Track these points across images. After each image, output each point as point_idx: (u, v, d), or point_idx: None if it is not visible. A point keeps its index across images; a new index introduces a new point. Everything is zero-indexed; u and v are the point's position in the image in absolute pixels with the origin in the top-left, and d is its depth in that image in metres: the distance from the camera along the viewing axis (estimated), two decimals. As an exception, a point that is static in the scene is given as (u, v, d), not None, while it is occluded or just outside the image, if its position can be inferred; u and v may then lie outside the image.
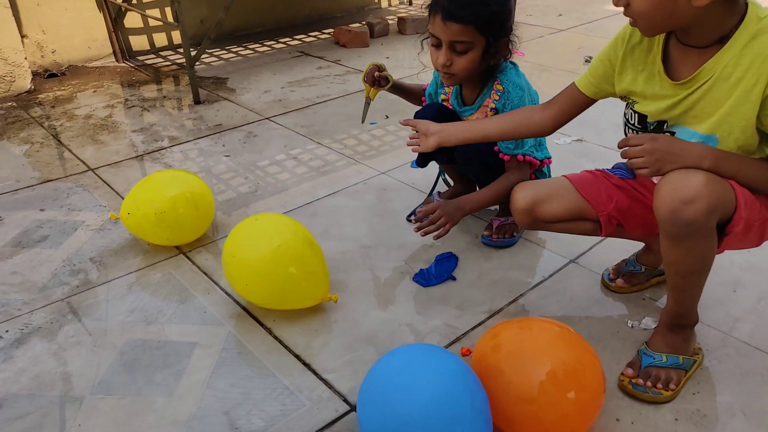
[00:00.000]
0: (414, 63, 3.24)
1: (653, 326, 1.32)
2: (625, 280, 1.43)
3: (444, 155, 1.58)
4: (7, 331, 1.36)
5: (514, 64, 1.54)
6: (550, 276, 1.51)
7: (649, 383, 1.14)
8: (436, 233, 1.41)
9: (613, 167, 1.33)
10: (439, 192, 1.81)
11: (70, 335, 1.34)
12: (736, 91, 1.00)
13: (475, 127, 1.35)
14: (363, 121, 1.69)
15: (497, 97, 1.48)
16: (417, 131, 1.39)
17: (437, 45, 1.41)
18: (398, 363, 0.97)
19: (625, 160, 1.31)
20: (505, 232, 1.62)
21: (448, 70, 1.42)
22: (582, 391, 0.98)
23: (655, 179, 1.16)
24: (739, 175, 1.03)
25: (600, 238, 1.61)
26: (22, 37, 2.90)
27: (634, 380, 1.15)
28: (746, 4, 0.99)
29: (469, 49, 1.38)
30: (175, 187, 1.57)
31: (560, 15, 4.20)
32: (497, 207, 1.74)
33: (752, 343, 1.28)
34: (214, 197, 1.82)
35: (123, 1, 3.14)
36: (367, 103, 1.68)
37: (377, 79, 1.61)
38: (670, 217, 0.99)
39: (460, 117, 1.59)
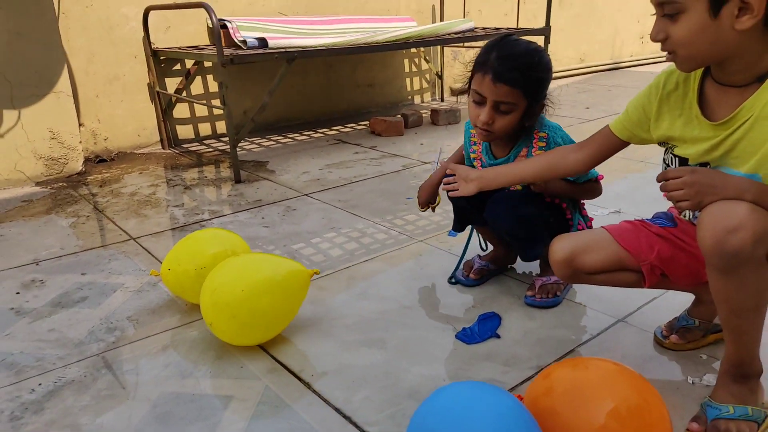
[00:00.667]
0: (446, 148, 3.33)
1: (715, 382, 1.22)
2: (680, 335, 1.35)
3: (478, 216, 1.58)
4: (39, 384, 1.33)
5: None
6: (599, 334, 1.44)
7: None
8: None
9: (653, 217, 1.31)
10: (479, 256, 1.79)
11: (104, 388, 1.30)
12: None
13: (512, 170, 1.39)
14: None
15: (543, 144, 1.52)
16: (454, 175, 1.45)
17: (480, 102, 1.45)
18: (446, 401, 0.92)
19: (664, 210, 1.29)
20: (548, 291, 1.57)
21: (489, 128, 1.46)
22: (648, 428, 0.90)
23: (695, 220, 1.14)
24: None
25: (648, 297, 1.56)
26: (80, 125, 3.10)
27: None
28: None
29: (513, 110, 1.43)
30: (216, 244, 1.59)
31: (587, 108, 4.33)
32: (538, 267, 1.70)
33: (831, 401, 1.17)
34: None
35: (174, 93, 3.37)
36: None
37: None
38: (714, 248, 0.96)
39: None
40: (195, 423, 1.18)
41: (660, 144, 1.21)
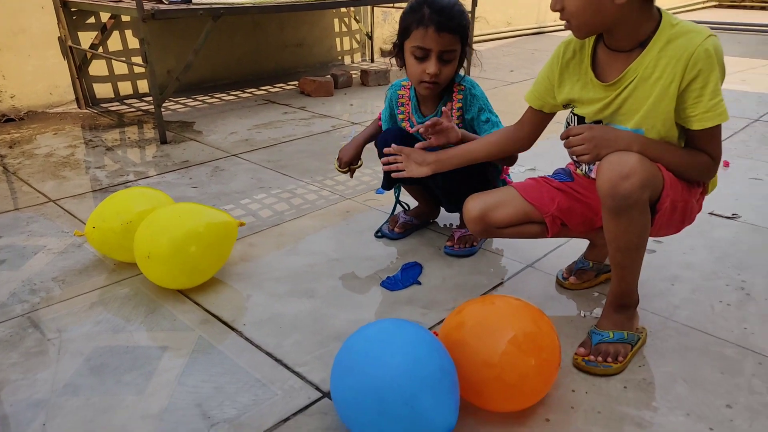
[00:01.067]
0: (377, 109, 3.39)
1: (605, 316, 1.40)
2: (577, 276, 1.52)
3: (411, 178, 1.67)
4: (-35, 345, 1.33)
5: None
6: (509, 278, 1.59)
7: (600, 358, 1.22)
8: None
9: (553, 173, 1.45)
10: (404, 210, 1.89)
11: (32, 346, 1.32)
12: (656, 89, 1.15)
13: (464, 151, 1.45)
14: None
15: (460, 96, 1.62)
16: (393, 155, 1.51)
17: (424, 57, 1.51)
18: (369, 333, 1.02)
19: (563, 166, 1.44)
20: (465, 242, 1.70)
21: (437, 79, 1.52)
22: (540, 352, 1.04)
23: (592, 174, 1.29)
24: (663, 160, 1.16)
25: (553, 245, 1.72)
26: (-16, 81, 2.92)
27: (586, 357, 1.23)
28: (660, 13, 1.15)
29: (454, 58, 1.53)
30: (143, 201, 1.61)
31: (512, 71, 4.49)
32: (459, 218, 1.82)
33: (690, 324, 1.39)
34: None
35: (90, 48, 3.22)
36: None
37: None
38: (610, 191, 1.10)
39: (417, 136, 1.69)
40: (130, 372, 1.23)
41: (564, 106, 1.33)
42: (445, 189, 1.66)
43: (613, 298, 1.27)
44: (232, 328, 1.38)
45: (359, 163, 1.77)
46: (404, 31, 1.54)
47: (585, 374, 1.22)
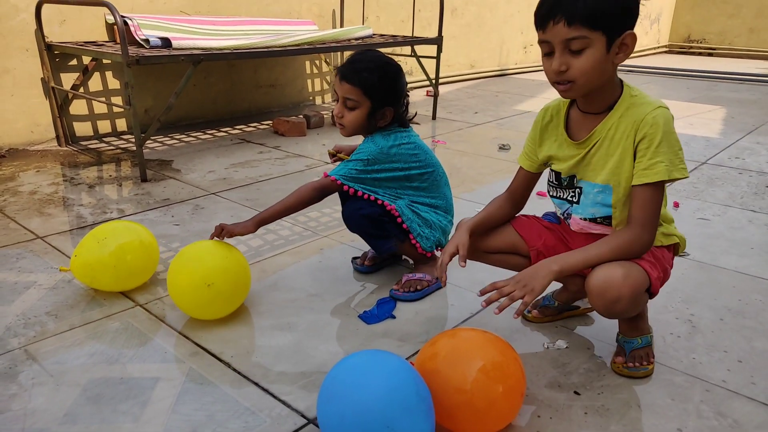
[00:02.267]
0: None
1: (564, 347, 1.55)
2: (540, 312, 1.67)
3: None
4: (-38, 378, 1.38)
5: (406, 130, 1.79)
6: (477, 312, 1.72)
7: (637, 363, 1.44)
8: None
9: (543, 215, 1.60)
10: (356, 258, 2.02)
11: (30, 377, 1.38)
12: (618, 149, 1.30)
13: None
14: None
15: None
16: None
17: (336, 100, 1.75)
18: (352, 363, 1.13)
19: (552, 210, 1.57)
20: (410, 287, 1.79)
21: (341, 121, 1.74)
22: (507, 380, 1.17)
23: (570, 225, 1.46)
24: (588, 262, 1.28)
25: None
26: (-34, 119, 2.97)
27: (627, 365, 1.44)
28: (621, 83, 1.32)
29: (357, 106, 1.71)
30: (124, 232, 1.75)
31: (476, 113, 4.73)
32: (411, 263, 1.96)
33: (644, 354, 1.53)
34: (165, 259, 1.94)
35: (71, 89, 3.30)
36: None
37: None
38: (607, 313, 1.31)
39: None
40: (126, 401, 1.31)
41: (544, 164, 1.49)
42: (358, 229, 1.78)
43: None
44: (221, 360, 1.47)
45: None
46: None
47: (624, 378, 1.44)
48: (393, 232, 1.75)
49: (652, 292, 1.32)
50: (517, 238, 1.51)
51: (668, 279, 1.40)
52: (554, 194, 1.48)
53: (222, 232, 1.65)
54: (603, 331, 1.62)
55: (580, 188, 1.41)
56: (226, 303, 1.62)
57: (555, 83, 1.26)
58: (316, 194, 1.71)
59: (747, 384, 1.43)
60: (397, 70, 1.74)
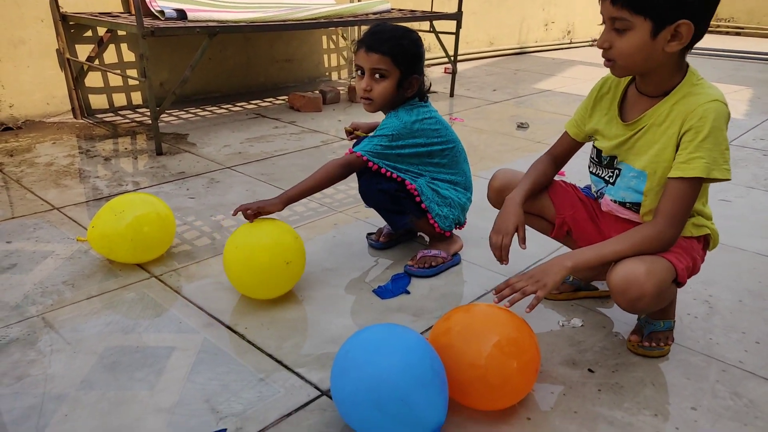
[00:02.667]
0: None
1: (580, 325, 1.53)
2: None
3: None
4: (-18, 344, 1.40)
5: (426, 105, 1.76)
6: (493, 289, 1.70)
7: (653, 344, 1.43)
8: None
9: (583, 187, 1.57)
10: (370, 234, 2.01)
11: (49, 344, 1.40)
12: (663, 137, 1.26)
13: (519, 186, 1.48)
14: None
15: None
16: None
17: (362, 75, 1.69)
18: (366, 336, 1.13)
19: (590, 184, 1.54)
20: (425, 263, 1.79)
21: (369, 95, 1.69)
22: (521, 355, 1.16)
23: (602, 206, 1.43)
24: (605, 259, 1.24)
25: (535, 259, 1.85)
26: (-16, 90, 2.99)
27: (642, 343, 1.43)
28: (687, 67, 1.27)
29: (386, 76, 1.66)
30: (140, 204, 1.75)
31: (494, 90, 4.67)
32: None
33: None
34: (181, 232, 1.95)
35: (86, 60, 3.30)
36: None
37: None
38: (629, 310, 1.25)
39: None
40: (141, 369, 1.32)
41: (589, 138, 1.46)
42: (375, 204, 1.78)
43: None
44: (235, 332, 1.48)
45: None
46: (354, 51, 1.73)
47: (640, 357, 1.43)
48: (409, 208, 1.74)
49: (679, 282, 1.26)
50: (548, 204, 1.50)
51: (697, 272, 1.34)
52: (593, 171, 1.44)
53: (253, 213, 1.58)
54: (619, 310, 1.60)
55: (619, 170, 1.36)
56: (293, 280, 1.62)
57: (603, 58, 1.25)
58: (342, 171, 1.67)
59: (764, 365, 1.41)
60: (417, 37, 1.71)
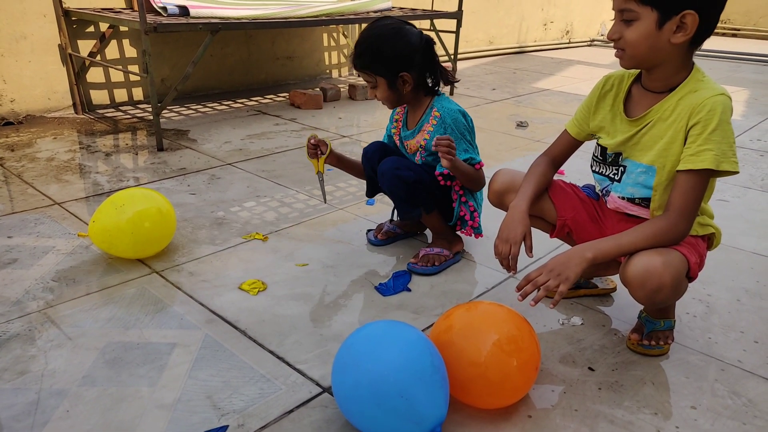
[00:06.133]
0: (363, 123, 3.52)
1: (580, 323, 1.54)
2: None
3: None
4: (-17, 338, 1.41)
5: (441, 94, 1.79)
6: (493, 287, 1.72)
7: (653, 342, 1.43)
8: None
9: (583, 186, 1.57)
10: (390, 220, 2.01)
11: (50, 339, 1.40)
12: (670, 131, 1.27)
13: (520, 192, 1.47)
14: (325, 200, 1.91)
15: (435, 122, 1.73)
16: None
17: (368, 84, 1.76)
18: (367, 333, 1.13)
19: (592, 182, 1.54)
20: (428, 261, 1.78)
21: (377, 98, 1.75)
22: (521, 354, 1.16)
23: (608, 204, 1.43)
24: (623, 250, 1.25)
25: (536, 258, 1.85)
26: (-15, 85, 2.98)
27: (642, 342, 1.44)
28: (693, 65, 1.28)
29: (375, 85, 1.72)
30: (141, 199, 1.76)
31: (494, 89, 4.67)
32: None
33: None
34: (182, 228, 1.95)
35: (88, 56, 3.30)
36: (321, 179, 1.84)
37: (316, 144, 1.79)
38: (649, 303, 1.27)
39: (399, 150, 1.86)
40: (143, 365, 1.32)
41: (592, 136, 1.46)
42: (389, 188, 1.76)
43: None
44: (236, 328, 1.48)
45: (328, 149, 1.79)
46: None
47: (639, 355, 1.44)
48: (422, 202, 1.74)
49: (691, 276, 1.28)
50: (549, 205, 1.50)
51: (703, 267, 1.35)
52: (596, 169, 1.44)
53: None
54: (618, 309, 1.61)
55: (624, 167, 1.36)
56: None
57: (614, 48, 1.28)
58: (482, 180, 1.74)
59: (763, 364, 1.42)
60: (406, 33, 1.68)
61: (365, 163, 1.86)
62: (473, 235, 1.81)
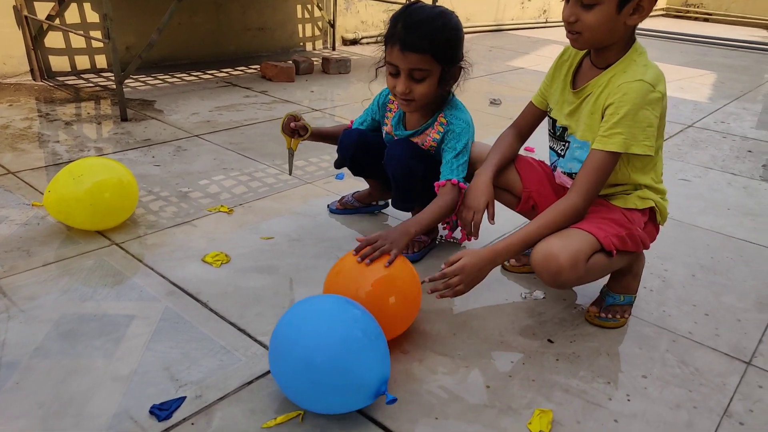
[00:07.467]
0: (336, 97, 3.48)
1: (542, 297, 1.56)
2: (517, 260, 1.67)
3: (372, 169, 1.78)
4: (-69, 310, 1.36)
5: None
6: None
7: (610, 315, 1.46)
8: (384, 262, 1.29)
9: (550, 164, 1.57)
10: (353, 193, 2.00)
11: (1, 311, 1.36)
12: (594, 106, 1.29)
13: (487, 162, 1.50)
14: (290, 173, 1.84)
15: (441, 129, 1.60)
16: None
17: (395, 73, 1.48)
18: (291, 317, 1.13)
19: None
20: (410, 247, 1.74)
21: (408, 96, 1.49)
22: (398, 293, 1.27)
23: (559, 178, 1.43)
24: (530, 240, 1.28)
25: (500, 233, 1.86)
26: (-64, 48, 2.85)
27: (599, 314, 1.46)
28: (633, 42, 1.29)
29: (427, 76, 1.47)
30: (101, 169, 1.71)
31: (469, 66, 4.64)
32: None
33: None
34: (145, 200, 1.91)
35: (46, 19, 3.17)
36: (291, 155, 1.77)
37: (295, 129, 1.70)
38: (556, 285, 1.28)
39: (379, 144, 1.75)
40: (99, 337, 1.29)
41: (548, 110, 1.47)
42: (394, 174, 1.67)
43: (625, 265, 1.42)
44: (197, 300, 1.46)
45: (307, 134, 1.71)
46: (384, 43, 1.51)
47: (596, 327, 1.46)
48: (418, 199, 1.69)
49: (608, 251, 1.27)
50: (515, 177, 1.51)
51: (646, 242, 1.37)
52: (550, 144, 1.47)
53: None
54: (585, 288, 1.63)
55: (568, 142, 1.39)
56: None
57: (567, 31, 1.28)
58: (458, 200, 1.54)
59: (711, 336, 1.46)
60: (456, 18, 1.52)
61: (340, 153, 1.80)
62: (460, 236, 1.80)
